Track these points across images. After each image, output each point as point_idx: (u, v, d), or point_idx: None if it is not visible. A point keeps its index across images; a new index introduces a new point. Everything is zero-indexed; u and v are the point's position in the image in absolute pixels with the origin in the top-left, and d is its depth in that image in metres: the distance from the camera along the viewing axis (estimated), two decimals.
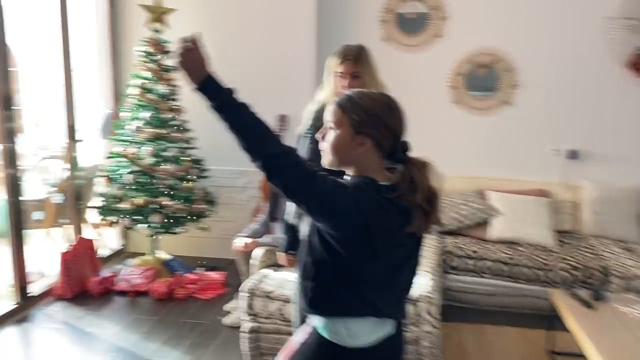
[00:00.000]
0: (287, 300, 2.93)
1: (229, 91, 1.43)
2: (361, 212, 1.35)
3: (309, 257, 1.46)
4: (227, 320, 3.55)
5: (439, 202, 1.46)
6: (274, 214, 3.67)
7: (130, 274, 4.10)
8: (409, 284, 1.55)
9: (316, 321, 1.50)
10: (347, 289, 1.43)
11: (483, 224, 4.16)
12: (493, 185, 4.46)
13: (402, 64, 4.59)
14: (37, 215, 4.37)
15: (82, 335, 3.39)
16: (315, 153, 2.31)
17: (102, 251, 4.60)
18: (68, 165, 4.23)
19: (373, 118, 1.43)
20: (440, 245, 3.91)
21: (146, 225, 4.05)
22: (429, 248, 3.77)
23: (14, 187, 3.57)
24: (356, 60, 2.27)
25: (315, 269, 1.44)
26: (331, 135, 1.47)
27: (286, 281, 3.12)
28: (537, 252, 3.84)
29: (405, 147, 1.47)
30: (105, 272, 4.15)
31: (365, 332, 1.46)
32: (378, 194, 1.40)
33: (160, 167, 3.97)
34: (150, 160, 3.97)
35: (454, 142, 4.65)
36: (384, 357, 1.51)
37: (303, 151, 2.29)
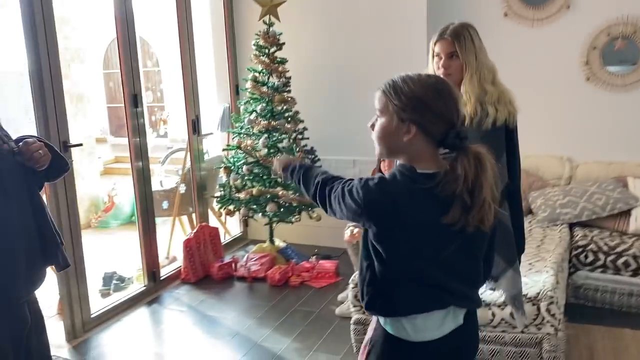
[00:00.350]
0: None
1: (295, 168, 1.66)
2: (387, 201, 1.31)
3: (363, 260, 1.42)
4: (338, 310, 3.55)
5: (485, 197, 1.30)
6: None
7: (248, 260, 4.26)
8: (474, 274, 1.45)
9: (380, 318, 1.46)
10: (401, 287, 1.36)
11: (622, 215, 3.70)
12: (636, 172, 3.94)
13: (528, 41, 4.22)
14: (165, 204, 4.71)
15: (203, 318, 3.59)
16: None
17: (224, 238, 4.84)
18: (192, 157, 4.48)
19: (417, 103, 1.32)
20: (567, 239, 3.54)
21: (262, 214, 4.18)
22: (553, 241, 3.44)
23: (143, 178, 3.86)
24: (453, 38, 2.05)
25: (367, 272, 1.39)
26: (377, 124, 1.39)
27: None
28: None
29: (460, 133, 1.32)
30: (227, 259, 4.36)
31: (431, 326, 1.39)
32: (413, 183, 1.31)
33: (274, 158, 4.06)
34: (264, 151, 4.08)
35: (589, 123, 4.18)
36: (455, 348, 1.43)
37: None
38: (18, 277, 1.58)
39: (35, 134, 3.08)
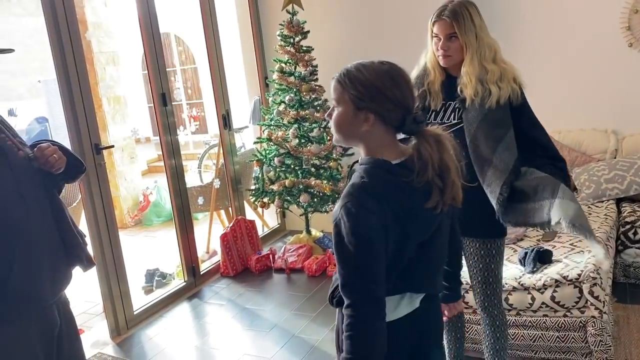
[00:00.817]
0: None
1: None
2: (381, 214, 1.26)
3: None
4: None
5: (453, 177, 1.33)
6: None
7: (286, 252, 4.27)
8: (441, 259, 1.48)
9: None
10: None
11: None
12: None
13: (565, 5, 4.00)
14: (201, 199, 4.77)
15: (242, 310, 3.62)
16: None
17: (262, 231, 4.87)
18: (225, 152, 4.51)
19: (372, 91, 1.31)
20: (614, 215, 3.37)
21: (296, 205, 4.17)
22: (600, 218, 3.27)
23: (177, 175, 3.91)
24: (452, 19, 1.95)
25: None
26: (334, 113, 1.37)
27: None
28: None
29: (416, 118, 1.33)
30: (264, 251, 4.38)
31: (390, 309, 1.35)
32: (393, 176, 1.31)
33: (305, 148, 4.03)
34: (295, 141, 4.05)
35: (633, 92, 3.94)
36: (413, 330, 1.43)
37: None
38: (42, 280, 1.61)
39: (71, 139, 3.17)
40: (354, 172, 1.38)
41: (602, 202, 3.59)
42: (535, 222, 1.95)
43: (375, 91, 1.30)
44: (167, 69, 3.88)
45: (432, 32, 2.03)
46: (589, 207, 3.55)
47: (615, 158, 3.88)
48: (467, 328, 2.68)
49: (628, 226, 3.30)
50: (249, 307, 3.67)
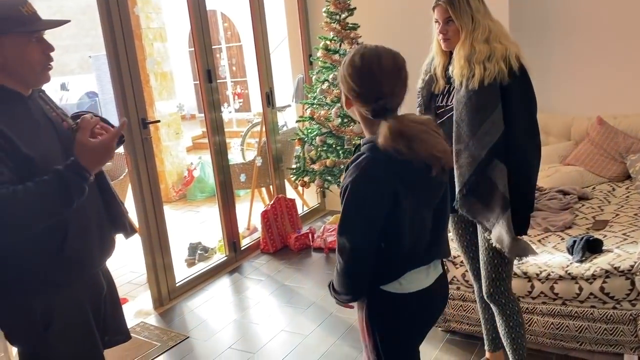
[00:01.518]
0: None
1: None
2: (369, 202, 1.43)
3: None
4: None
5: (421, 145, 1.41)
6: None
7: (325, 231, 4.27)
8: (443, 225, 1.62)
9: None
10: (392, 255, 1.50)
11: None
12: None
13: None
14: (243, 177, 4.80)
15: (281, 287, 3.65)
16: (425, 104, 2.13)
17: (302, 210, 4.88)
18: (267, 130, 4.52)
19: (345, 80, 1.48)
20: None
21: (337, 185, 4.14)
22: None
23: (220, 152, 3.95)
24: (447, 4, 1.97)
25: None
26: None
27: None
28: None
29: (384, 105, 1.43)
30: (304, 230, 4.40)
31: (420, 279, 1.56)
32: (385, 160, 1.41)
33: (347, 127, 3.99)
34: (337, 121, 4.02)
35: None
36: (440, 293, 1.65)
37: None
38: (92, 247, 1.66)
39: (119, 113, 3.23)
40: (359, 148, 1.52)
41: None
42: (483, 223, 2.06)
43: (346, 80, 1.47)
44: (212, 46, 3.89)
45: (434, 17, 2.05)
46: None
47: None
48: (468, 307, 2.73)
49: None
50: (288, 284, 3.70)
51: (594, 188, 3.66)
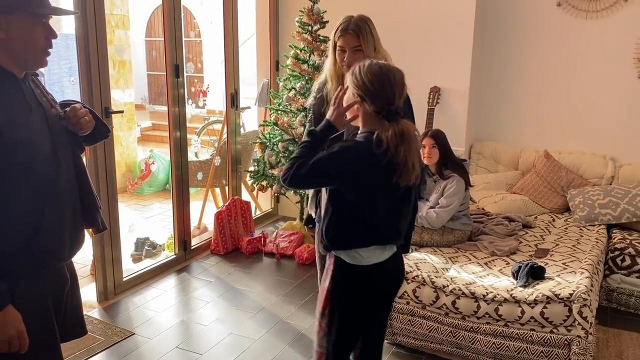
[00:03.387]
0: (423, 283, 2.82)
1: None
2: (348, 169, 1.74)
3: (329, 206, 1.82)
4: None
5: (402, 158, 1.71)
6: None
7: (277, 237, 4.29)
8: (404, 218, 1.92)
9: (338, 253, 1.86)
10: (356, 227, 1.82)
11: None
12: None
13: (579, 32, 4.08)
14: (200, 175, 4.76)
15: (230, 290, 3.64)
16: (316, 124, 2.24)
17: (255, 213, 4.88)
18: (229, 131, 4.50)
19: (362, 84, 1.74)
20: (604, 240, 3.45)
21: (294, 192, 4.18)
22: (589, 242, 3.35)
23: (180, 148, 3.90)
24: (357, 33, 2.16)
25: (333, 215, 1.81)
26: (345, 98, 1.80)
27: (423, 263, 3.00)
28: None
29: (390, 110, 1.72)
30: (256, 233, 4.40)
31: (376, 254, 1.86)
32: (370, 148, 1.72)
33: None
34: (301, 129, 4.06)
35: (637, 123, 4.03)
36: (392, 268, 1.94)
37: (307, 123, 2.35)
38: (64, 239, 1.62)
39: (78, 98, 3.14)
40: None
41: (594, 225, 3.68)
42: None
43: (369, 88, 1.74)
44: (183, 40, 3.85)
45: (336, 44, 2.21)
46: (581, 229, 3.64)
47: (611, 184, 3.97)
48: (415, 322, 2.85)
49: (617, 252, 3.38)
50: (238, 287, 3.69)
51: (536, 217, 3.88)
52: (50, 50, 1.55)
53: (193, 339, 3.04)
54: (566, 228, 3.67)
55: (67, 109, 1.67)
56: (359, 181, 1.74)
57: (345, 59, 2.20)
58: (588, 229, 3.63)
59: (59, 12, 1.56)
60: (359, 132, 1.82)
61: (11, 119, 1.44)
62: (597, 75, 4.08)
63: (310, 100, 2.40)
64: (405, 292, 2.87)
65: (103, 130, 1.84)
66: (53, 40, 1.55)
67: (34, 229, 1.53)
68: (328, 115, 1.82)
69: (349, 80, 1.79)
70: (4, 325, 1.47)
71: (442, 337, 2.79)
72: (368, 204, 1.79)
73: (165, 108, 3.84)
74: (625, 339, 3.05)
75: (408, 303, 2.87)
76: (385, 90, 1.73)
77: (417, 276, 2.85)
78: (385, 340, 2.94)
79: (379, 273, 1.87)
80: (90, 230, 1.85)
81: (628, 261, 3.35)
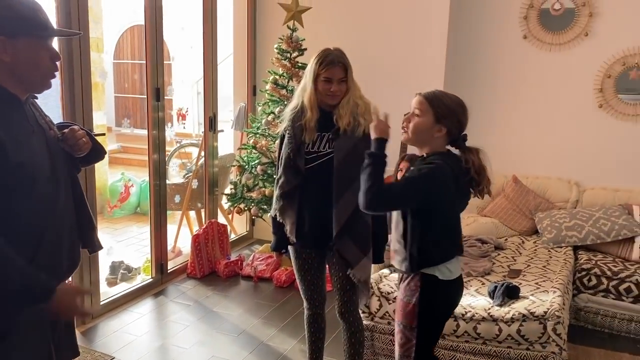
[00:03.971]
0: None
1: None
2: (441, 188, 1.90)
3: (415, 226, 1.94)
4: None
5: (486, 177, 1.98)
6: None
7: (255, 260, 4.31)
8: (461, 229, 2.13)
9: (430, 270, 1.97)
10: (444, 242, 1.97)
11: (626, 242, 3.78)
12: None
13: (544, 64, 4.31)
14: (177, 197, 4.75)
15: (209, 313, 3.63)
16: (294, 150, 2.34)
17: (230, 236, 4.88)
18: (207, 154, 4.53)
19: (451, 113, 1.94)
20: (572, 261, 3.61)
21: None
22: (559, 263, 3.51)
23: (159, 171, 3.91)
24: (345, 66, 2.31)
25: (422, 234, 1.93)
26: (415, 120, 1.95)
27: None
28: None
29: (464, 137, 1.98)
30: (233, 256, 4.41)
31: (457, 267, 2.03)
32: (452, 169, 1.92)
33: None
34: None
35: (598, 150, 4.26)
36: (459, 290, 2.11)
37: (284, 149, 2.39)
38: (62, 259, 1.63)
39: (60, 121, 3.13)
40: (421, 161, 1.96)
41: (561, 247, 3.84)
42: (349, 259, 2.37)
43: (453, 114, 1.94)
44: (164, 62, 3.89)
45: (319, 75, 2.29)
46: (549, 250, 3.80)
47: (575, 208, 4.17)
48: (381, 338, 2.97)
49: (584, 273, 3.55)
50: (216, 310, 3.69)
51: (506, 239, 4.03)
52: (56, 72, 1.58)
53: None
54: (535, 249, 3.83)
55: (66, 130, 1.70)
56: (448, 198, 1.92)
57: (331, 89, 2.30)
58: (556, 251, 3.79)
59: (63, 33, 1.59)
60: (428, 154, 1.97)
61: (15, 140, 1.46)
62: (561, 104, 4.31)
63: (282, 127, 2.45)
64: (387, 312, 2.94)
65: (99, 151, 1.87)
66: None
67: (33, 249, 1.54)
68: (377, 134, 1.91)
69: (424, 106, 1.93)
70: (61, 303, 1.54)
71: None
72: (454, 219, 2.01)
73: (130, 130, 3.86)
74: (593, 356, 3.18)
75: (389, 323, 2.94)
76: (463, 119, 1.97)
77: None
78: None
79: (459, 284, 2.07)
80: (86, 249, 1.86)
81: (594, 281, 3.51)
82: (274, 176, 4.12)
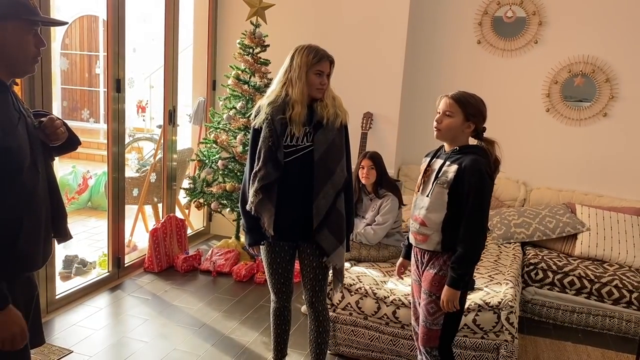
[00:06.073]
0: (365, 294, 2.98)
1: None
2: (491, 182, 2.21)
3: (449, 213, 2.18)
4: (304, 308, 3.65)
5: (498, 167, 2.24)
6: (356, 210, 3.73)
7: (213, 255, 4.30)
8: None
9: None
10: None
11: (569, 238, 4.03)
12: (583, 200, 4.30)
13: (496, 69, 4.52)
14: (135, 191, 4.68)
15: (168, 307, 3.61)
16: (276, 144, 2.35)
17: (188, 231, 4.85)
18: (165, 148, 4.48)
19: (478, 111, 2.21)
20: (520, 256, 3.82)
21: (232, 210, 4.23)
22: (509, 257, 3.70)
23: (119, 164, 3.85)
24: (332, 62, 2.43)
25: (460, 220, 2.17)
26: (448, 120, 2.19)
27: (364, 276, 3.18)
28: (628, 274, 3.67)
29: (484, 129, 2.25)
30: (191, 252, 4.39)
31: None
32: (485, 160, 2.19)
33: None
34: (240, 148, 4.14)
35: (545, 152, 4.52)
36: None
37: (262, 142, 2.37)
38: (39, 247, 1.62)
39: None
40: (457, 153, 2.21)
41: (510, 243, 4.05)
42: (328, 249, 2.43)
43: (480, 112, 2.21)
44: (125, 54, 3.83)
45: (312, 67, 2.36)
46: (499, 246, 3.99)
47: (523, 206, 4.39)
48: (358, 332, 3.02)
49: (531, 267, 3.76)
50: (176, 304, 3.67)
51: None
52: (39, 58, 1.57)
53: (136, 356, 3.00)
54: (486, 245, 4.01)
55: (44, 119, 1.68)
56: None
57: (322, 82, 2.38)
58: (505, 247, 3.99)
59: (52, 20, 1.59)
60: (461, 147, 2.21)
61: (3, 125, 1.45)
62: (511, 108, 4.53)
63: (259, 120, 2.41)
64: (349, 303, 3.02)
65: (74, 141, 1.86)
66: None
67: (12, 237, 1.52)
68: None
69: (454, 107, 2.16)
70: (6, 325, 1.48)
71: (383, 346, 2.96)
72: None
73: (77, 123, 3.78)
74: (540, 345, 3.38)
75: (351, 314, 3.02)
76: (486, 114, 2.24)
77: (360, 288, 3.01)
78: (328, 351, 3.07)
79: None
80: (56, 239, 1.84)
81: (541, 275, 3.73)
82: (235, 172, 4.16)
